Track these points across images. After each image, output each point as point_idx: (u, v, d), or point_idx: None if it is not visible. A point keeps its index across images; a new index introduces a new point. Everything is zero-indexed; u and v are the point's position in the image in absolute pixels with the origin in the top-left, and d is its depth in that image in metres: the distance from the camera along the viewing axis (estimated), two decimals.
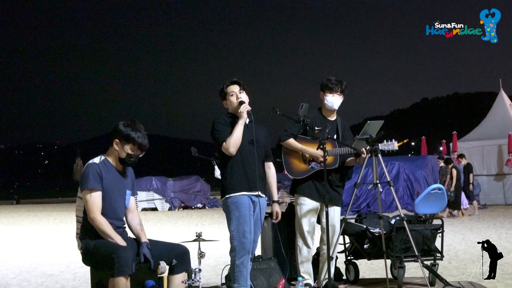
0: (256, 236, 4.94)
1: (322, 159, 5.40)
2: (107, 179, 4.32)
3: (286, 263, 5.78)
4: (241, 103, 4.86)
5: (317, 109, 5.71)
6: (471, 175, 17.24)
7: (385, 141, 5.59)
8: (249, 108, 4.85)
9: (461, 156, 17.95)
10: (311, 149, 5.51)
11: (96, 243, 4.22)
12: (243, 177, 4.82)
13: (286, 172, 5.71)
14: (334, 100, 5.58)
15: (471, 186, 17.01)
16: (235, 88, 4.94)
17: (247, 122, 4.87)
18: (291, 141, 5.52)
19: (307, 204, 5.58)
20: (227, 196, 4.82)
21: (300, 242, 5.60)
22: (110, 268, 4.01)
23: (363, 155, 5.48)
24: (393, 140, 5.62)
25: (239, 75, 5.00)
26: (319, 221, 5.69)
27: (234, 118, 4.89)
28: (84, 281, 6.96)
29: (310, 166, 5.53)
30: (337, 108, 5.65)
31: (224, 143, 4.78)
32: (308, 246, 5.59)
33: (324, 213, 5.55)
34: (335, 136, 5.58)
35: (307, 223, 5.58)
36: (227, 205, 4.82)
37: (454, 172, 15.92)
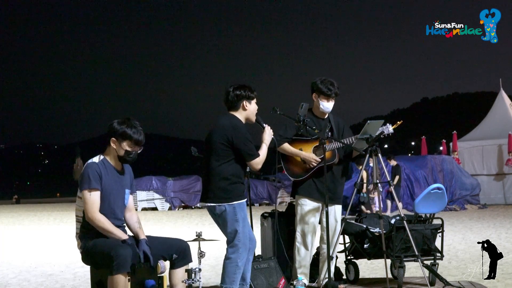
0: (252, 233, 5.03)
1: (315, 163, 5.45)
2: (106, 178, 4.33)
3: (286, 262, 5.78)
4: (259, 122, 4.97)
5: (308, 110, 5.65)
6: (397, 177, 17.27)
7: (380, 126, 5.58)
8: (272, 134, 5.00)
9: (389, 157, 17.83)
10: (304, 153, 5.55)
11: (95, 242, 4.23)
12: (244, 184, 4.92)
13: (286, 173, 5.72)
14: (329, 106, 5.61)
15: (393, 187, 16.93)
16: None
17: None
18: (285, 146, 5.54)
19: (307, 204, 5.58)
20: (234, 202, 4.76)
21: (299, 243, 5.60)
22: (108, 266, 4.02)
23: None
24: (388, 124, 5.59)
25: (240, 75, 5.01)
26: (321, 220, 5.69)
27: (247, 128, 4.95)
28: (84, 280, 6.96)
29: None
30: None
31: (257, 159, 4.81)
32: (306, 247, 5.59)
33: (325, 212, 5.56)
34: (329, 134, 5.60)
35: (308, 223, 5.58)
36: (233, 209, 4.76)
37: (364, 174, 16.00)
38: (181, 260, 4.43)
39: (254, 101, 4.95)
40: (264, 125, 5.00)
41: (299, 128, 5.47)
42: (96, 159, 4.39)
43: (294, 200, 5.78)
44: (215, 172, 4.78)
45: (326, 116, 5.71)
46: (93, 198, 4.26)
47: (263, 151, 4.89)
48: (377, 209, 16.15)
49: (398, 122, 5.70)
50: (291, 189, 5.92)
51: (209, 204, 4.80)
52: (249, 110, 4.92)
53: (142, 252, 4.28)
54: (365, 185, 16.03)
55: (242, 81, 5.04)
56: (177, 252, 4.41)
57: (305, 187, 5.60)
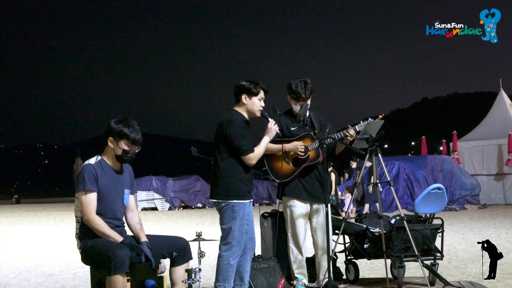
0: (253, 234, 4.98)
1: (301, 149, 5.40)
2: (103, 179, 4.31)
3: (286, 262, 5.77)
4: (264, 116, 4.89)
5: (287, 110, 5.64)
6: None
7: (361, 121, 5.55)
8: (277, 128, 4.92)
9: (352, 159, 17.73)
10: (287, 145, 5.47)
11: (94, 242, 4.22)
12: (249, 185, 4.85)
13: (271, 175, 5.62)
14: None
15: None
16: (264, 94, 4.90)
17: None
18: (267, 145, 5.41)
19: (296, 205, 5.55)
20: (233, 201, 4.74)
21: (292, 244, 5.58)
22: (106, 267, 4.02)
23: (348, 134, 5.45)
24: (369, 118, 5.56)
25: (240, 75, 4.98)
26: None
27: (246, 123, 4.85)
28: (84, 280, 6.96)
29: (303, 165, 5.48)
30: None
31: (251, 154, 4.73)
32: (300, 248, 5.57)
33: (313, 212, 5.54)
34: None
35: (299, 225, 5.54)
36: (231, 207, 4.75)
37: (333, 176, 15.96)
38: (181, 257, 4.43)
39: (256, 97, 4.83)
40: (269, 119, 4.91)
41: (299, 128, 5.46)
42: (92, 160, 4.37)
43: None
44: (219, 169, 4.79)
45: (308, 115, 5.67)
46: (89, 199, 4.25)
47: (260, 147, 4.82)
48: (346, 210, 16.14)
49: (380, 116, 5.66)
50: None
51: (212, 200, 4.88)
52: (248, 104, 4.83)
53: (143, 255, 4.27)
54: (333, 187, 15.98)
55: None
56: (177, 250, 4.42)
57: (292, 188, 5.54)
